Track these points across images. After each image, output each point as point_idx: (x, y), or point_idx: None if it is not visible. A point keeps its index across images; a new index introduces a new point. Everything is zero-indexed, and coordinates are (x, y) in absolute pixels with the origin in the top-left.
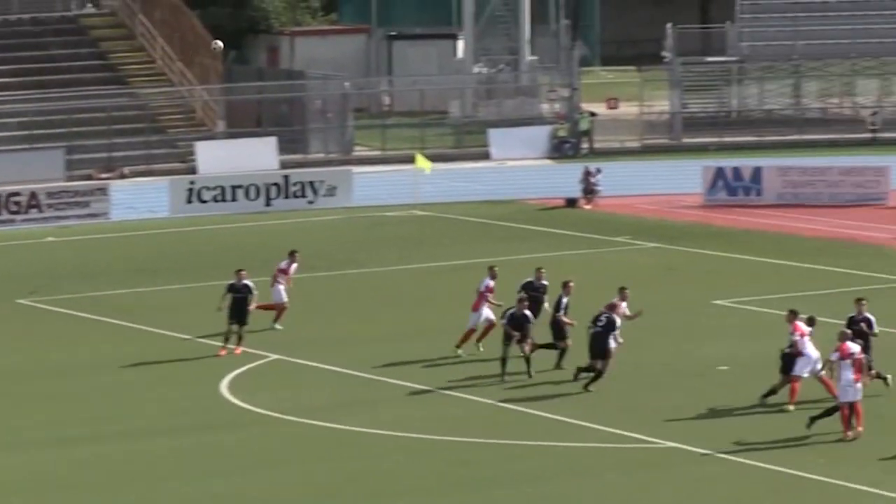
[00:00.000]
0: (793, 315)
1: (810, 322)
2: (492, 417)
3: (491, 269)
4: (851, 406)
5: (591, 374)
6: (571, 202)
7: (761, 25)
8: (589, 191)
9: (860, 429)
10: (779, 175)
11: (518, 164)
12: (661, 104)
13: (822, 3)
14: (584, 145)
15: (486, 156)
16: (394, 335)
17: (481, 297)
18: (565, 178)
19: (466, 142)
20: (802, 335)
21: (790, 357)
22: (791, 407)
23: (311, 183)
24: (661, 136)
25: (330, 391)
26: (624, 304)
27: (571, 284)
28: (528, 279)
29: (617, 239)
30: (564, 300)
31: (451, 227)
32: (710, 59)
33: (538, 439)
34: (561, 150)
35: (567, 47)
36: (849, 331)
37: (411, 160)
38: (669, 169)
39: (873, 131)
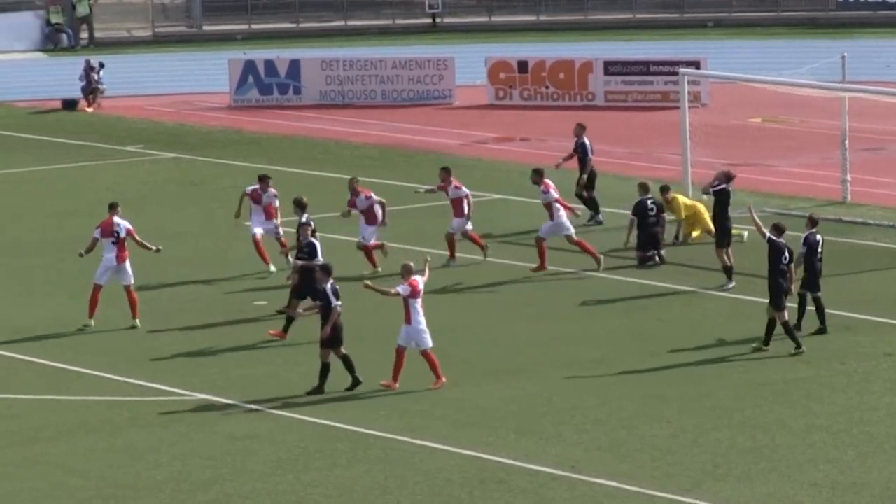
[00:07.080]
0: None
1: None
2: None
3: None
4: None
5: None
6: (70, 104)
7: None
8: (91, 90)
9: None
10: (321, 70)
11: (2, 59)
12: None
13: None
14: (84, 35)
15: None
16: None
17: None
18: (62, 75)
19: None
20: None
21: None
22: None
23: None
24: (176, 22)
25: None
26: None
27: None
28: None
29: (127, 148)
30: None
31: None
32: None
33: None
34: (56, 40)
35: None
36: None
37: None
38: (189, 63)
39: (434, 15)
